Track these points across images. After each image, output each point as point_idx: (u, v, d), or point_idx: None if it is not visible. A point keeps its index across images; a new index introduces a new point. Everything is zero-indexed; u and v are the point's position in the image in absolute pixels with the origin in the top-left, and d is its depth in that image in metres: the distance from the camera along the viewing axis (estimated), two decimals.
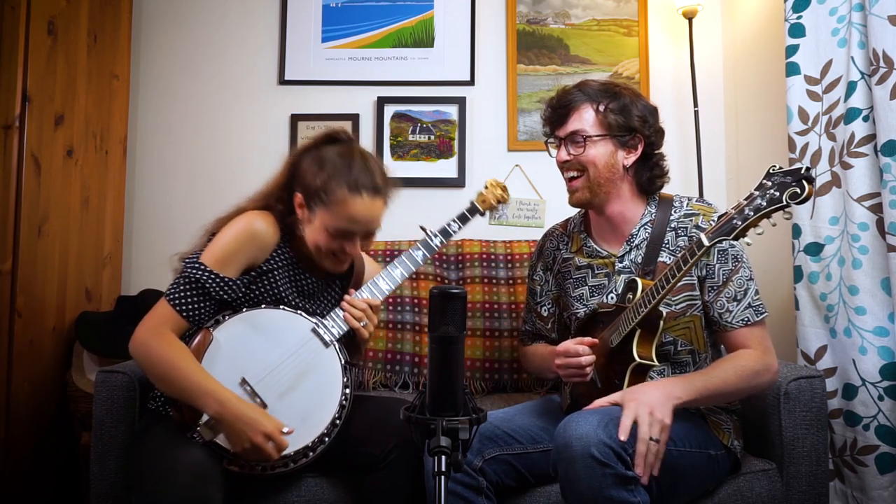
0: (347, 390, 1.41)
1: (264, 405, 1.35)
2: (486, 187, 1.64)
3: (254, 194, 1.51)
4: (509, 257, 2.18)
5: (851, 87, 1.66)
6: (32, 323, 1.93)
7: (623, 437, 1.21)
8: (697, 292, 1.45)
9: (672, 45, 2.52)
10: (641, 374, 1.37)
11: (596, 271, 1.55)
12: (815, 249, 1.76)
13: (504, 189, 1.64)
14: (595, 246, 1.57)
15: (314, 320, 1.45)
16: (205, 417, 1.29)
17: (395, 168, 2.46)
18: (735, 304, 1.42)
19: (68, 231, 2.10)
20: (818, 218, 1.75)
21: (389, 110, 2.50)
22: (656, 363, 1.36)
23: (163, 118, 2.51)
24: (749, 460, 1.51)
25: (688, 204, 1.50)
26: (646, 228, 1.51)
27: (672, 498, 1.35)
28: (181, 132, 2.52)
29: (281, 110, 2.51)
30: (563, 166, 1.51)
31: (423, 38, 2.53)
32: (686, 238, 1.45)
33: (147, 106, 2.53)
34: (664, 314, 1.37)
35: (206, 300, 1.38)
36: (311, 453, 1.36)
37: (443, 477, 0.93)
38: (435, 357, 0.99)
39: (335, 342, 1.44)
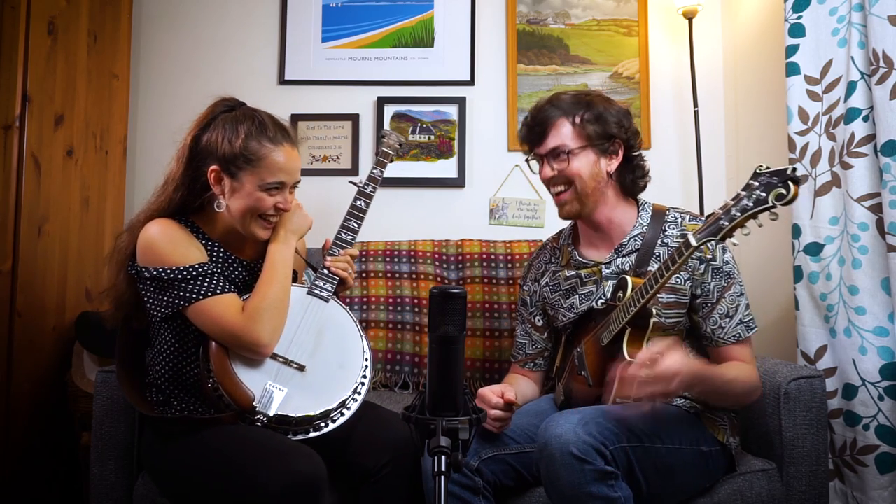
0: (364, 335, 1.53)
1: (301, 367, 1.41)
2: (385, 136, 1.82)
3: (147, 204, 1.47)
4: (509, 257, 2.18)
5: (851, 87, 1.66)
6: (32, 323, 1.93)
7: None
8: (686, 309, 1.46)
9: (672, 45, 2.52)
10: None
11: (584, 279, 1.55)
12: (815, 249, 1.76)
13: (398, 134, 1.85)
14: (581, 259, 1.57)
15: (306, 285, 1.54)
16: (257, 402, 1.34)
17: (395, 168, 2.47)
18: (727, 320, 1.44)
19: (68, 231, 2.10)
20: (818, 218, 1.75)
21: (389, 110, 2.50)
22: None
23: (163, 118, 2.51)
24: (749, 460, 1.52)
25: (682, 222, 1.51)
26: (636, 240, 1.51)
27: (664, 496, 1.35)
28: (181, 132, 2.51)
29: (281, 110, 2.44)
30: (549, 182, 1.52)
31: (423, 38, 2.53)
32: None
33: (147, 106, 2.53)
34: (654, 313, 1.38)
35: (220, 277, 1.41)
36: (357, 396, 1.44)
37: (443, 477, 0.93)
38: (435, 357, 0.99)
39: (332, 297, 1.53)
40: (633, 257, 1.49)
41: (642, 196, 1.58)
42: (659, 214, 1.52)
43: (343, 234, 1.62)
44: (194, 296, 1.36)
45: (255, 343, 1.36)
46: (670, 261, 1.27)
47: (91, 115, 2.22)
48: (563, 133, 1.47)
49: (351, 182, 1.70)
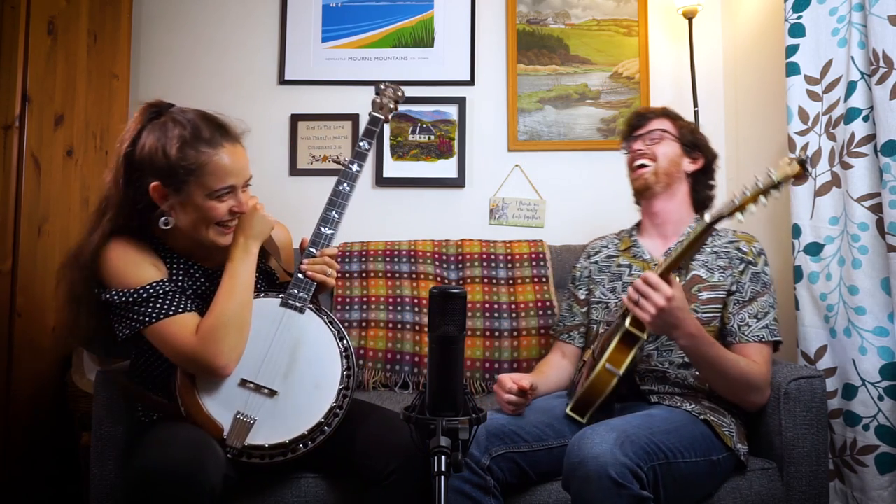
0: (344, 341, 1.42)
1: (273, 392, 1.34)
2: (378, 93, 1.62)
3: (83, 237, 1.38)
4: (509, 257, 2.18)
5: (851, 87, 1.66)
6: (32, 323, 1.93)
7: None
8: (721, 305, 1.58)
9: (672, 45, 2.51)
10: (630, 343, 1.46)
11: (632, 271, 1.68)
12: (815, 249, 1.76)
13: (396, 87, 1.63)
14: (642, 248, 1.71)
15: (280, 295, 1.43)
16: (226, 434, 1.30)
17: (395, 168, 2.48)
18: (755, 320, 1.55)
19: (68, 231, 2.10)
20: (818, 218, 1.75)
21: None
22: (645, 337, 1.46)
23: None
24: (749, 460, 1.51)
25: (733, 234, 1.66)
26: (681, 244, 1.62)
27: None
28: None
29: (281, 110, 2.51)
30: (635, 154, 1.71)
31: (423, 38, 2.53)
32: (727, 259, 1.60)
33: None
34: None
35: (177, 294, 1.35)
36: (339, 410, 1.36)
37: (443, 477, 0.93)
38: (435, 357, 1.00)
39: (307, 305, 1.42)
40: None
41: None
42: (707, 228, 1.61)
43: (322, 229, 1.46)
44: (149, 318, 1.31)
45: (212, 365, 1.29)
46: (687, 239, 1.40)
47: (91, 115, 2.22)
48: (664, 123, 1.73)
49: (335, 161, 1.52)
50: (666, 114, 1.76)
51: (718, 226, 1.61)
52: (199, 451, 1.21)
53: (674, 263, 1.40)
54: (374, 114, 1.58)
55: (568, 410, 1.53)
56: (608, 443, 1.23)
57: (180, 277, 1.42)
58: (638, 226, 1.80)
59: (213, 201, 1.34)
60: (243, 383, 1.34)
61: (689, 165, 1.70)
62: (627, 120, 1.81)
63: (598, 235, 1.90)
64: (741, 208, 1.34)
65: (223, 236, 1.39)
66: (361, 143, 1.53)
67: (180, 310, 1.33)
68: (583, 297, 1.79)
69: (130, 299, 1.31)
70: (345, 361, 1.40)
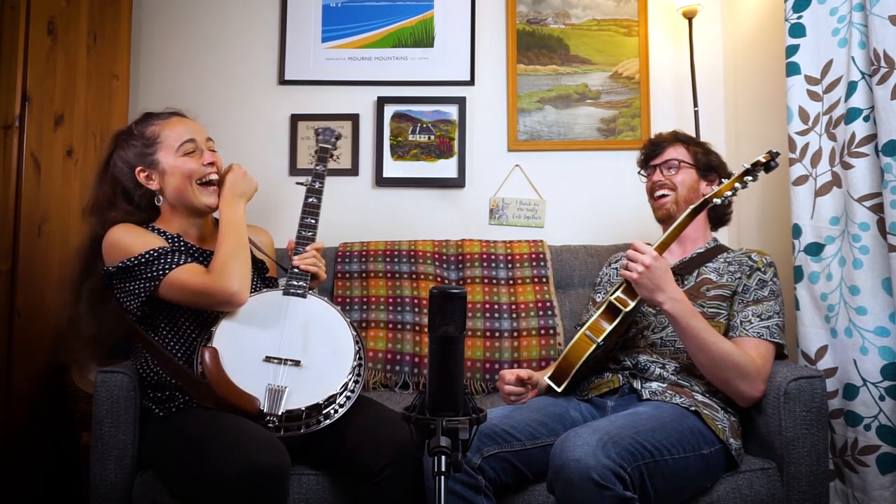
0: (347, 319, 1.60)
1: (297, 363, 1.47)
2: (319, 133, 1.92)
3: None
4: (509, 257, 2.18)
5: (852, 87, 1.66)
6: (32, 323, 1.93)
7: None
8: (727, 304, 1.62)
9: (672, 44, 2.51)
10: (612, 314, 1.55)
11: None
12: (815, 249, 1.76)
13: (332, 130, 1.94)
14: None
15: (280, 288, 1.61)
16: (263, 405, 1.39)
17: (395, 168, 2.48)
18: (757, 319, 1.58)
19: (68, 231, 2.10)
20: (819, 218, 1.75)
21: (389, 110, 2.50)
22: (627, 309, 1.53)
23: None
24: (749, 459, 1.52)
25: (746, 249, 1.73)
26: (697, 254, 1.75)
27: (668, 501, 1.36)
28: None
29: (281, 110, 2.51)
30: (655, 185, 1.79)
31: (423, 38, 2.53)
32: (737, 265, 1.67)
33: (147, 106, 2.46)
34: None
35: (182, 253, 1.51)
36: (358, 378, 1.52)
37: (443, 477, 0.93)
38: (435, 357, 0.99)
39: (308, 291, 1.61)
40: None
41: (716, 234, 1.85)
42: (721, 247, 1.77)
43: (303, 232, 1.70)
44: (160, 272, 1.44)
45: (227, 293, 1.45)
46: (678, 223, 1.61)
47: (91, 115, 2.22)
48: (678, 151, 1.80)
49: (298, 183, 1.80)
50: (678, 139, 1.82)
51: (735, 247, 1.75)
52: (279, 453, 1.28)
53: (665, 242, 1.59)
54: (322, 145, 1.88)
55: (545, 378, 1.59)
56: (590, 445, 1.23)
57: (182, 253, 1.53)
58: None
59: (183, 157, 1.55)
60: (268, 359, 1.47)
61: (706, 188, 1.77)
62: (643, 149, 1.89)
63: (597, 235, 1.92)
64: (719, 194, 1.60)
65: (209, 196, 1.58)
66: (318, 167, 1.80)
67: (188, 262, 1.49)
68: (599, 299, 1.84)
69: (143, 260, 1.45)
70: (354, 332, 1.57)
